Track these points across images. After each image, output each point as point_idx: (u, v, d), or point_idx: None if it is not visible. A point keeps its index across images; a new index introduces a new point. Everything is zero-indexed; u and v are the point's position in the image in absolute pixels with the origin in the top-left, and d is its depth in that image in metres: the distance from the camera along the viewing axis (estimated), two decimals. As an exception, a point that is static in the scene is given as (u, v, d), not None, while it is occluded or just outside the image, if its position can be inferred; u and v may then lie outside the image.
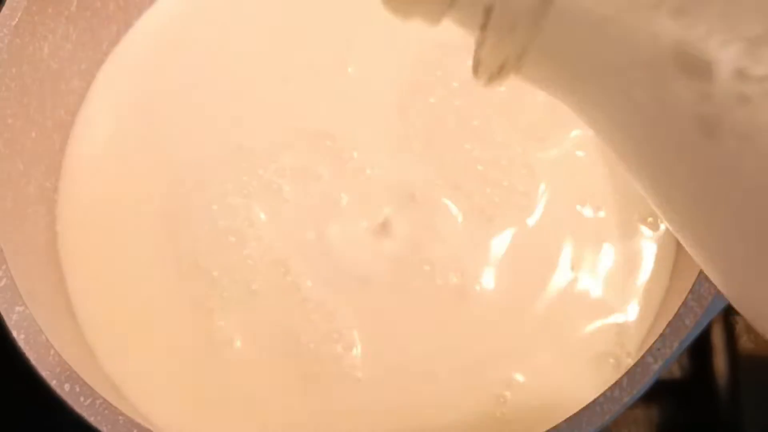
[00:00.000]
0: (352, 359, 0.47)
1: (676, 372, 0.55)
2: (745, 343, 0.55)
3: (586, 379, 0.46)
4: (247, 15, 0.56)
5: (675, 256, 0.48)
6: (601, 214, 0.50)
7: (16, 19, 0.46)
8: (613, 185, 0.50)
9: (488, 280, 0.48)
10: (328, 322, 0.47)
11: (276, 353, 0.47)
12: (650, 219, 0.49)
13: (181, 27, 0.56)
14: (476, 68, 0.25)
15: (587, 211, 0.50)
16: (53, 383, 0.39)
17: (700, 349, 0.55)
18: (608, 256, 0.49)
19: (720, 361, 0.55)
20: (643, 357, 0.40)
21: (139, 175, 0.51)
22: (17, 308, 0.41)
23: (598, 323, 0.47)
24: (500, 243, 0.49)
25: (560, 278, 0.48)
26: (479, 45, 0.24)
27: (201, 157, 0.51)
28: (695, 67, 0.21)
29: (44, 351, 0.40)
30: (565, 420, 0.39)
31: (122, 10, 0.54)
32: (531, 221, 0.50)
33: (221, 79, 0.54)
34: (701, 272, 0.40)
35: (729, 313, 0.55)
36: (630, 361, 0.45)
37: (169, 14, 0.56)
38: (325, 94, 0.53)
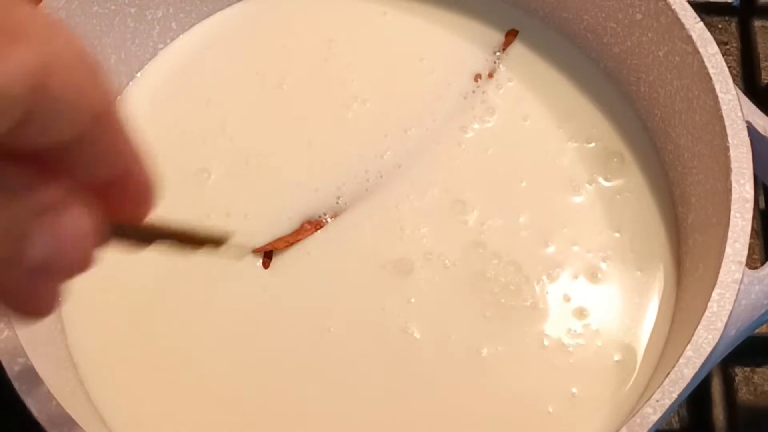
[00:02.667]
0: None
1: (675, 423, 0.55)
2: (744, 395, 0.55)
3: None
4: (248, 67, 0.56)
5: (674, 307, 0.48)
6: (603, 266, 0.50)
7: (21, 73, 0.46)
8: (612, 236, 0.51)
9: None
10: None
11: None
12: (647, 270, 0.50)
13: (182, 79, 0.56)
14: None
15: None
16: (54, 434, 0.39)
17: (698, 400, 0.55)
18: (608, 307, 0.49)
19: (719, 413, 0.55)
20: (642, 408, 0.40)
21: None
22: (19, 360, 0.41)
23: (599, 373, 0.48)
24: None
25: (562, 327, 0.49)
26: None
27: (205, 211, 0.52)
28: None
29: (46, 402, 0.40)
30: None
31: (123, 63, 0.55)
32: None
33: (222, 131, 0.54)
34: (700, 323, 0.41)
35: (728, 365, 0.55)
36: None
37: (170, 67, 0.57)
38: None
